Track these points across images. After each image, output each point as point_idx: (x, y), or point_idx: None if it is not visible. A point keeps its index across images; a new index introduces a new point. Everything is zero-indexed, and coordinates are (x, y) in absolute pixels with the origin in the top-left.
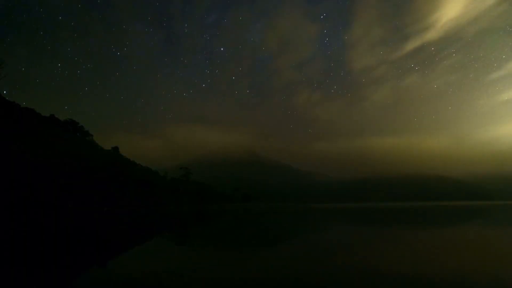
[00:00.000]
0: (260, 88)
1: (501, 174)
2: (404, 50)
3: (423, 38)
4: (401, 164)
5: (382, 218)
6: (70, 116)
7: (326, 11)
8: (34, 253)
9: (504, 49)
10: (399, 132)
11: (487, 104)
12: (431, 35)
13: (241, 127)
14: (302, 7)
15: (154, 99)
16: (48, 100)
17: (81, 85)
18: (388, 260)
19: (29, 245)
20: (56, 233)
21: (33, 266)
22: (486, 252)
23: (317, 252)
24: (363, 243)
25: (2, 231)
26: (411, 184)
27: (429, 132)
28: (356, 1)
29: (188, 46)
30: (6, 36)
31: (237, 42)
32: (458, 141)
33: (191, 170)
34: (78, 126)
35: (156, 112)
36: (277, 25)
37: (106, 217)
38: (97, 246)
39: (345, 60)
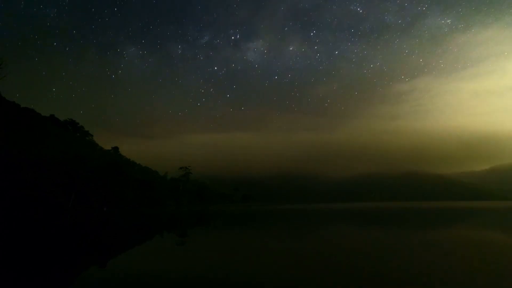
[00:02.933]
0: (255, 105)
1: (501, 174)
2: None
3: None
4: (401, 164)
5: (378, 219)
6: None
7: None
8: (34, 253)
9: None
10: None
11: None
12: None
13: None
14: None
15: (149, 120)
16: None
17: (76, 108)
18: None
19: (29, 245)
20: (56, 233)
21: (33, 266)
22: (482, 257)
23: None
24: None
25: (2, 231)
26: (411, 184)
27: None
28: None
29: (183, 67)
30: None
31: (231, 61)
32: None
33: (191, 170)
34: (78, 126)
35: (152, 132)
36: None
37: (106, 217)
38: (97, 246)
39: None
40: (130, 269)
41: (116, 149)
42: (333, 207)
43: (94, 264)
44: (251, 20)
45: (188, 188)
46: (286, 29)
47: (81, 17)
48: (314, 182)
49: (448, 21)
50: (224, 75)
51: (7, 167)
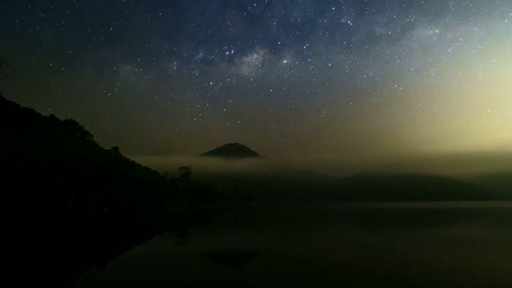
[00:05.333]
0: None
1: (501, 175)
2: None
3: None
4: (401, 164)
5: (376, 218)
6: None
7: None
8: (34, 253)
9: None
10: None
11: None
12: None
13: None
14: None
15: (146, 136)
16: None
17: None
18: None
19: (29, 245)
20: (55, 233)
21: (33, 266)
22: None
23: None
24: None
25: (2, 231)
26: (412, 184)
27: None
28: None
29: (178, 83)
30: None
31: (226, 76)
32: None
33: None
34: (78, 126)
35: (149, 149)
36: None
37: (105, 217)
38: (96, 246)
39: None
40: (130, 269)
41: (116, 149)
42: (335, 207)
43: (94, 264)
44: (244, 36)
45: (188, 188)
46: (279, 43)
47: (77, 37)
48: (313, 182)
49: (437, 31)
50: (219, 90)
51: (7, 167)
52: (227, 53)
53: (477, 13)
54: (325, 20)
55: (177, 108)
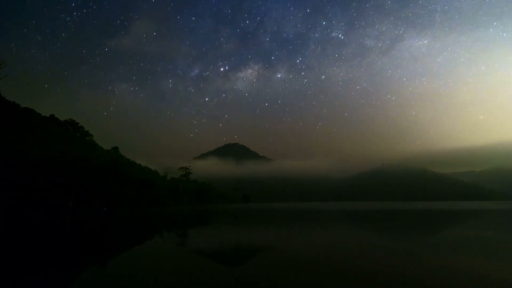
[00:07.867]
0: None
1: (501, 174)
2: None
3: None
4: (401, 163)
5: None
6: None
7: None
8: (34, 253)
9: None
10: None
11: None
12: None
13: None
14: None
15: (143, 154)
16: None
17: None
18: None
19: (29, 245)
20: (55, 233)
21: (33, 266)
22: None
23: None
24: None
25: (2, 231)
26: (411, 184)
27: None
28: None
29: (174, 100)
30: None
31: (221, 91)
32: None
33: (191, 170)
34: (78, 126)
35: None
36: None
37: (105, 217)
38: (96, 246)
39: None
40: (130, 269)
41: (116, 149)
42: (333, 206)
43: (94, 264)
44: (238, 52)
45: (188, 188)
46: (272, 58)
47: (72, 59)
48: (313, 182)
49: (425, 41)
50: (215, 105)
51: (7, 167)
52: (222, 69)
53: (463, 24)
54: (316, 35)
55: (174, 125)
